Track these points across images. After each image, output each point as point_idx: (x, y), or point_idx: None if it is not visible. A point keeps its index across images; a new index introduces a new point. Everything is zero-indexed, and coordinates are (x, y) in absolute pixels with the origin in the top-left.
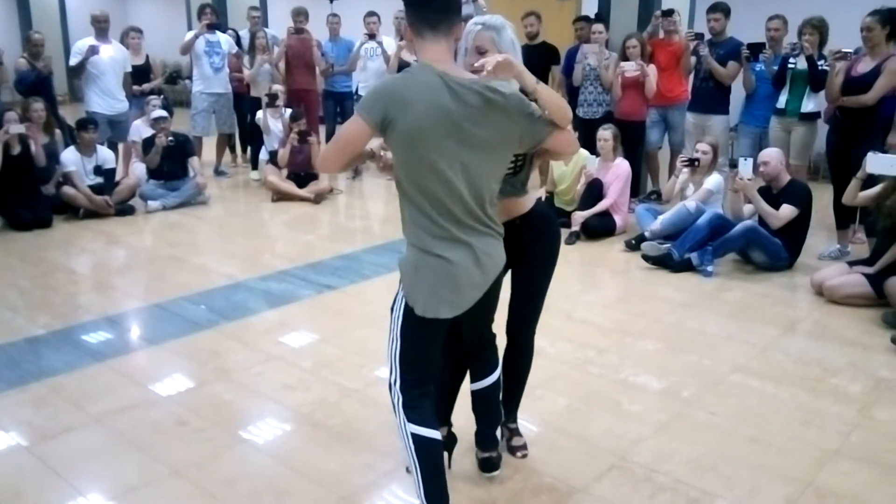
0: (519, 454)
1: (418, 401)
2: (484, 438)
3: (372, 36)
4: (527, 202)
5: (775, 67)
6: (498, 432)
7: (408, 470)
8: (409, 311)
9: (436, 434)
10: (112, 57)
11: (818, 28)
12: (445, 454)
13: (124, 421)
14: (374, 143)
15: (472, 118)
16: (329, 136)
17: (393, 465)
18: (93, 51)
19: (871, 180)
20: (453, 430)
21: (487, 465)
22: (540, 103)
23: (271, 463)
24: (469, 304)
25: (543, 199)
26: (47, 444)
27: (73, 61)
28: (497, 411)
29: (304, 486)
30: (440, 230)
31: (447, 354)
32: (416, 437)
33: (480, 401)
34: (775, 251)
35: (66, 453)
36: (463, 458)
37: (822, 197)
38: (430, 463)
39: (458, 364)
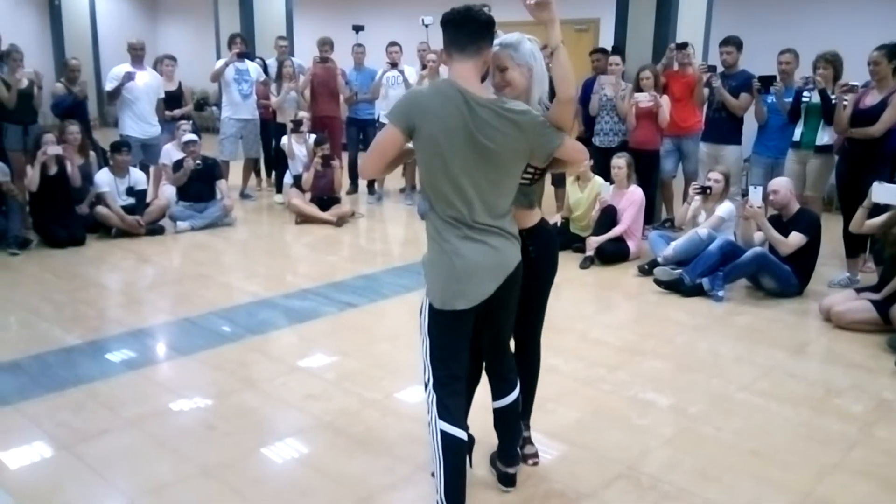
0: (531, 461)
1: (450, 399)
2: (506, 454)
3: (394, 65)
4: (534, 216)
5: (787, 100)
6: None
7: (433, 474)
8: (431, 309)
9: (463, 434)
10: (147, 83)
11: (832, 62)
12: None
13: (157, 424)
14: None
15: (486, 132)
16: (351, 162)
17: (411, 469)
18: (129, 77)
19: (877, 209)
20: (470, 432)
21: (507, 480)
22: (553, 63)
23: (295, 465)
24: (483, 296)
25: (559, 224)
26: (85, 445)
27: (110, 87)
28: (518, 428)
29: (325, 486)
30: (455, 228)
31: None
32: (444, 434)
33: (502, 418)
34: (785, 277)
35: (103, 453)
36: (477, 464)
37: (837, 228)
38: (455, 462)
39: (475, 370)
